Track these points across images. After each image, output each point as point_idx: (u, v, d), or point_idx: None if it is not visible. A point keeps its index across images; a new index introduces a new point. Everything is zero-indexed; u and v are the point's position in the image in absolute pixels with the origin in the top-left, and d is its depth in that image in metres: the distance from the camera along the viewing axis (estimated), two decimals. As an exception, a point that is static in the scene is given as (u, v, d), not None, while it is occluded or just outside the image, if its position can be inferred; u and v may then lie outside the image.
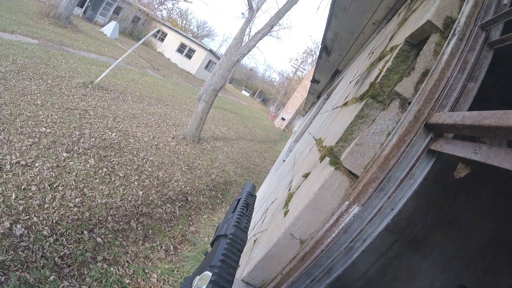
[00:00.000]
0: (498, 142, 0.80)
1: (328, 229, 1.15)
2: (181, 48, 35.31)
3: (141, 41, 11.44)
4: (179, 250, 4.99)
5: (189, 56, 35.21)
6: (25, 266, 3.26)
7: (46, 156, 5.11)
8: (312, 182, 1.43)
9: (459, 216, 3.77)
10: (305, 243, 1.22)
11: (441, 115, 1.04)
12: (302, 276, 1.16)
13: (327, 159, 1.33)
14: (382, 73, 1.34)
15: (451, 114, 0.98)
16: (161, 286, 4.09)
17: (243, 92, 79.40)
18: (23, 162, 4.64)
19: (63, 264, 3.57)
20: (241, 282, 1.30)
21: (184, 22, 62.01)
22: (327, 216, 1.21)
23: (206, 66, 36.21)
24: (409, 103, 1.21)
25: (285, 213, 1.52)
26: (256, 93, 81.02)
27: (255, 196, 0.81)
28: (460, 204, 3.75)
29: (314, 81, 10.09)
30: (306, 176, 1.73)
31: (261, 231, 1.85)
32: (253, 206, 0.76)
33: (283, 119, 40.23)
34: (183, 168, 7.96)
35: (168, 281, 4.20)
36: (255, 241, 1.84)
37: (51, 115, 6.45)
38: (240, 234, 0.62)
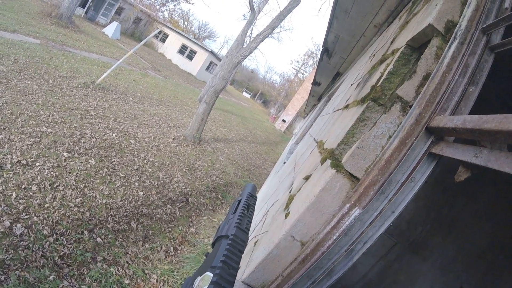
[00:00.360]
0: (498, 146, 0.80)
1: (329, 232, 1.15)
2: (182, 49, 35.34)
3: (142, 42, 11.45)
4: (179, 251, 4.99)
5: (190, 57, 35.24)
6: (25, 265, 3.27)
7: (47, 155, 5.11)
8: (313, 185, 1.43)
9: (459, 219, 3.77)
10: (306, 245, 1.22)
11: (442, 118, 1.04)
12: (302, 278, 1.16)
13: (328, 161, 1.34)
14: (384, 76, 1.35)
15: (452, 117, 0.98)
16: (160, 287, 4.09)
17: (244, 93, 79.55)
18: (23, 162, 4.64)
19: (63, 263, 3.57)
20: (241, 284, 1.30)
21: (186, 23, 62.09)
22: (328, 218, 1.21)
23: (207, 68, 36.24)
24: (410, 106, 1.21)
25: (286, 215, 1.52)
26: (257, 95, 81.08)
27: (256, 197, 0.81)
28: (460, 207, 3.75)
29: (315, 83, 10.09)
30: (307, 178, 1.73)
31: (262, 233, 1.85)
32: (254, 207, 0.76)
33: (283, 121, 40.22)
34: (184, 169, 7.96)
35: (167, 282, 4.20)
36: (255, 242, 1.84)
37: (52, 115, 6.46)
38: (241, 235, 0.62)
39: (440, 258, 3.83)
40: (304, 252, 1.18)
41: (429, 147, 1.10)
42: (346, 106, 2.02)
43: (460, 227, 3.77)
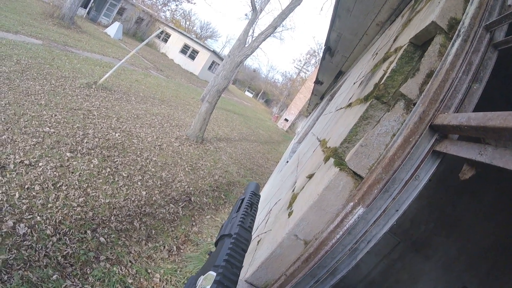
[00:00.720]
0: (503, 143, 0.79)
1: (332, 230, 1.14)
2: (184, 49, 35.37)
3: (144, 42, 11.46)
4: (182, 251, 5.00)
5: (192, 57, 35.28)
6: (28, 265, 3.27)
7: (49, 155, 5.12)
8: (316, 183, 1.43)
9: (462, 218, 3.75)
10: (309, 244, 1.22)
11: (446, 116, 1.03)
12: (306, 277, 1.15)
13: (332, 160, 1.33)
14: (387, 74, 1.34)
15: (456, 115, 0.97)
16: (163, 286, 4.10)
17: (246, 93, 79.63)
18: (26, 162, 4.65)
19: (66, 263, 3.58)
20: (244, 283, 1.30)
21: (188, 23, 62.10)
22: (331, 217, 1.20)
23: (210, 67, 36.28)
24: (414, 104, 1.20)
25: (289, 214, 1.52)
26: (259, 94, 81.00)
27: (259, 196, 0.81)
28: (463, 206, 3.74)
29: (317, 82, 10.07)
30: (310, 177, 1.72)
31: (265, 232, 1.84)
32: (257, 206, 0.76)
33: (286, 120, 40.26)
34: (186, 169, 7.97)
35: (170, 281, 4.20)
36: (258, 241, 1.84)
37: (55, 115, 6.48)
38: (245, 233, 0.62)
39: (443, 257, 3.82)
40: (308, 251, 1.17)
41: (433, 145, 1.09)
42: (349, 105, 2.01)
43: (463, 226, 3.76)
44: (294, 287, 1.15)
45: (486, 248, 3.71)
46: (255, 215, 0.73)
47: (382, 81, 1.34)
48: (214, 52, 35.48)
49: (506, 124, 0.71)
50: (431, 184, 3.68)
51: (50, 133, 5.75)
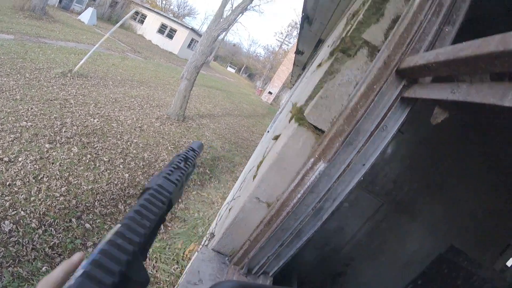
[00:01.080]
0: (479, 77, 0.71)
1: (293, 190, 1.08)
2: (161, 29, 34.68)
3: (117, 25, 11.17)
4: (169, 228, 5.03)
5: (170, 36, 34.66)
6: (17, 260, 3.27)
7: (28, 149, 5.01)
8: (278, 143, 1.36)
9: (446, 178, 3.76)
10: (271, 206, 1.16)
11: (412, 58, 0.96)
12: (270, 241, 1.10)
13: (294, 117, 1.26)
14: (353, 27, 1.26)
15: (423, 54, 0.90)
16: (153, 265, 4.13)
17: (229, 68, 78.97)
18: (6, 159, 4.56)
19: (54, 253, 3.57)
20: (211, 252, 1.25)
21: (164, 2, 60.72)
22: (293, 176, 1.14)
23: (189, 45, 35.76)
24: (379, 51, 1.13)
25: (254, 177, 1.46)
26: (242, 69, 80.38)
27: (198, 152, 0.77)
28: (447, 167, 3.73)
29: (298, 52, 9.94)
30: (276, 138, 1.66)
31: (234, 199, 1.80)
32: (193, 161, 0.72)
33: (270, 93, 40.14)
34: (169, 148, 7.93)
35: (160, 259, 4.23)
36: (230, 210, 1.79)
37: (31, 108, 6.32)
38: (168, 185, 0.56)
39: (428, 218, 3.84)
40: (270, 213, 1.11)
41: (401, 91, 1.02)
42: (319, 65, 1.94)
43: (447, 187, 3.76)
44: (259, 252, 1.10)
45: (471, 208, 3.74)
46: (190, 170, 0.69)
47: (348, 34, 1.26)
48: (192, 29, 34.91)
49: (480, 51, 0.61)
50: (413, 144, 3.66)
51: (27, 126, 5.62)
